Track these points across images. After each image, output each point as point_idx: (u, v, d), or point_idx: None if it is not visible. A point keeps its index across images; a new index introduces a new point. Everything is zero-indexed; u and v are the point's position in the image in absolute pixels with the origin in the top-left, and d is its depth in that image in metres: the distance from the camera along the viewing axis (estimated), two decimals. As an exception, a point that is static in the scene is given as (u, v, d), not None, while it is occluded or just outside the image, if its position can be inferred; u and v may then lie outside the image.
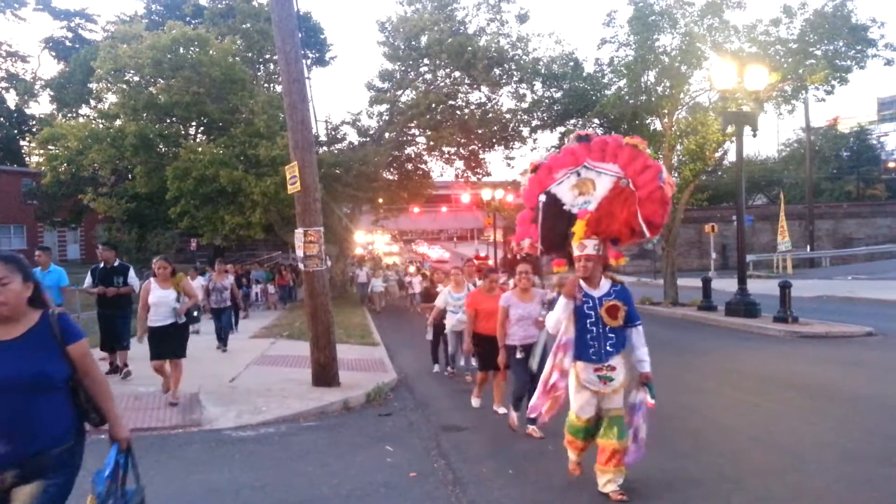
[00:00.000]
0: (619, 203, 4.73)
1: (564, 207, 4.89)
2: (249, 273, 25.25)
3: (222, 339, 12.61)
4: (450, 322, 9.45)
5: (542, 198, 4.95)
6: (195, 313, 8.05)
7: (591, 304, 4.72)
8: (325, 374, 8.97)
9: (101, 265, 9.18)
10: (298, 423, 7.33)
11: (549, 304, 6.05)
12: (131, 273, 9.28)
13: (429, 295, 10.17)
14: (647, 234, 4.71)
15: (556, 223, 4.91)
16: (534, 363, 5.97)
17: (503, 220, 40.59)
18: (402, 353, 12.86)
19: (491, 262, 50.16)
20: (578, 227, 4.68)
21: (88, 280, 9.34)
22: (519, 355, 6.50)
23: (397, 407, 8.22)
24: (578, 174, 4.85)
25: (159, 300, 7.52)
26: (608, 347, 4.70)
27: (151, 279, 7.75)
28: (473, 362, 9.04)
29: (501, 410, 7.25)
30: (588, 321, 4.71)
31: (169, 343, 7.64)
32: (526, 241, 5.12)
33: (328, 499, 4.97)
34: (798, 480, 5.13)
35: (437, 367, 10.50)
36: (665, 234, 21.93)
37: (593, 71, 23.80)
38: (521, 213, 5.27)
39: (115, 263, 9.22)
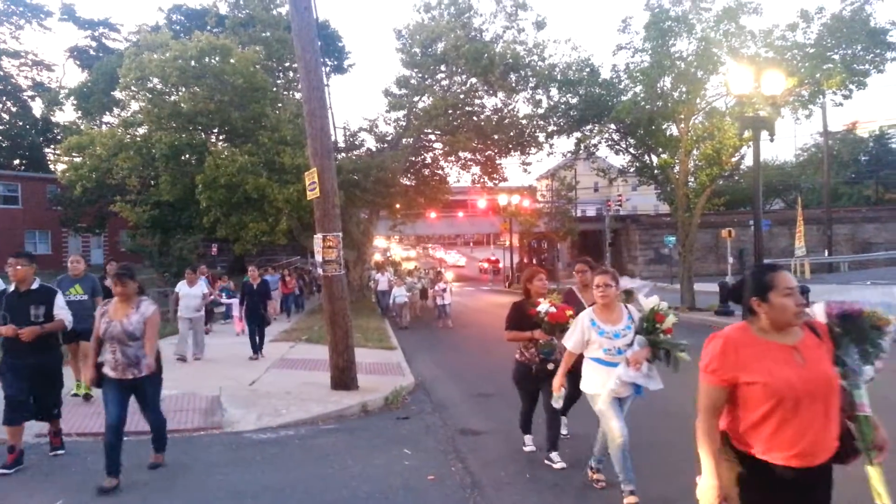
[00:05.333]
0: None
1: None
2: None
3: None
4: (594, 377, 4.86)
5: None
6: None
7: None
8: (343, 377, 9.10)
9: (12, 288, 5.92)
10: (318, 426, 7.45)
11: None
12: (58, 300, 5.98)
13: (522, 316, 5.80)
14: None
15: None
16: None
17: (519, 225, 40.73)
18: (420, 358, 12.97)
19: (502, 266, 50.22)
20: None
21: None
22: None
23: (415, 410, 8.31)
24: None
25: None
26: None
27: None
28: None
29: None
30: None
31: None
32: None
33: (348, 501, 5.07)
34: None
35: (529, 442, 6.19)
36: (682, 239, 21.91)
37: (609, 77, 23.88)
38: None
39: (34, 286, 5.88)
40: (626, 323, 4.81)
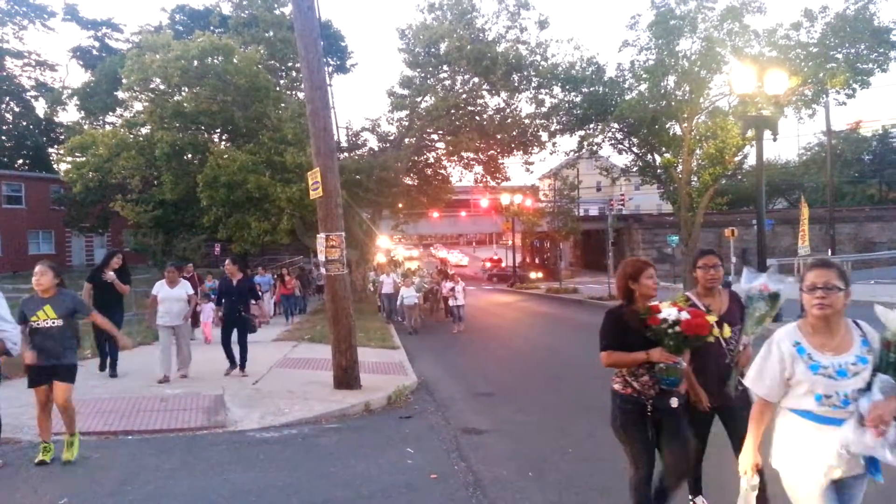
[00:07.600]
0: None
1: None
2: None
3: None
4: (798, 445, 2.81)
5: None
6: None
7: None
8: (346, 376, 9.10)
9: None
10: (321, 425, 7.44)
11: None
12: None
13: (625, 328, 3.68)
14: None
15: None
16: None
17: (521, 224, 40.71)
18: (422, 357, 12.97)
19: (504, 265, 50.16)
20: None
21: None
22: None
23: (418, 409, 8.30)
24: None
25: None
26: None
27: None
28: None
29: None
30: None
31: None
32: None
33: (351, 500, 5.06)
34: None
35: None
36: (685, 238, 21.89)
37: (614, 75, 23.92)
38: None
39: None
40: (857, 352, 2.75)
